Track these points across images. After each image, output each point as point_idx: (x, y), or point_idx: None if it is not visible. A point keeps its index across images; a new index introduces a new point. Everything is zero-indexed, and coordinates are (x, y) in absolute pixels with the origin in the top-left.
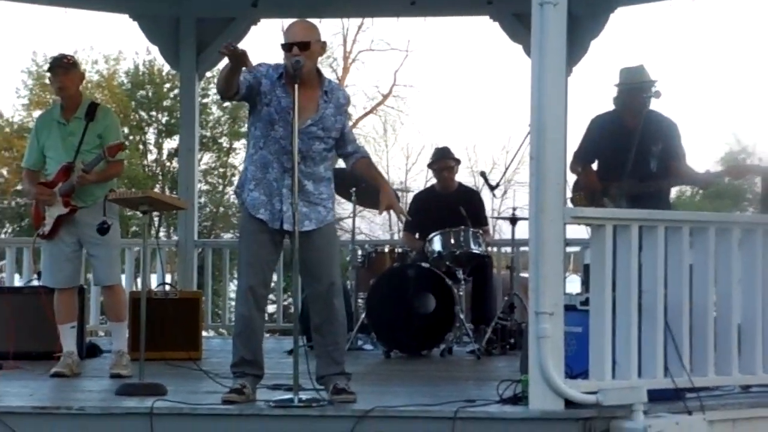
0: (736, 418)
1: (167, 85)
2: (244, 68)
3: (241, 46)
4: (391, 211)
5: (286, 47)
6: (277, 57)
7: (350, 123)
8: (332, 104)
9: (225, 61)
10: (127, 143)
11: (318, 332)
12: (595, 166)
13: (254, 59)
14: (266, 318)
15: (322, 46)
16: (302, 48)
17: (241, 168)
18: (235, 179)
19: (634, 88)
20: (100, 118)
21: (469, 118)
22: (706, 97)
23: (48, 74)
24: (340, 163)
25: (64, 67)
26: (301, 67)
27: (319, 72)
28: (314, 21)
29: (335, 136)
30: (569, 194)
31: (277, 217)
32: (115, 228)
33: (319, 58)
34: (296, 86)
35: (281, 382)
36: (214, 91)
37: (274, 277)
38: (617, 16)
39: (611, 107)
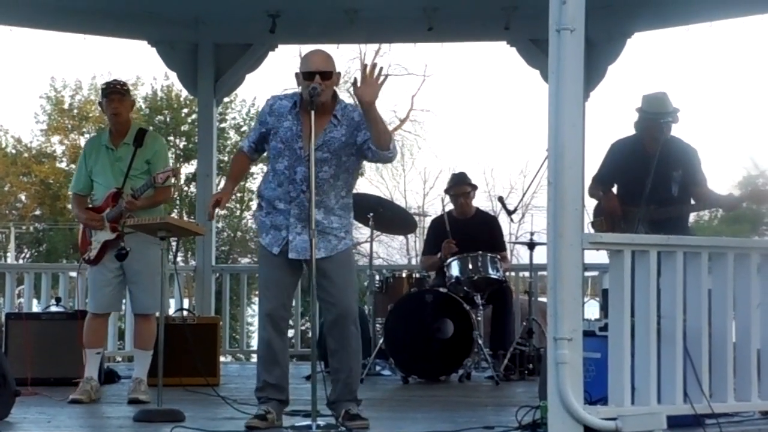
0: None
1: (185, 111)
2: (257, 125)
3: (258, 72)
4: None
5: (308, 76)
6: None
7: None
8: (344, 125)
9: (243, 85)
10: (178, 169)
11: (334, 358)
12: (614, 190)
13: (271, 85)
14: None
15: (338, 77)
16: (324, 77)
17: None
18: (253, 204)
19: (655, 115)
20: (149, 143)
21: (487, 142)
22: (723, 121)
23: (102, 99)
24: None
25: (119, 93)
26: (318, 95)
27: (335, 97)
28: (332, 47)
29: (349, 155)
30: (588, 219)
31: (280, 244)
32: (158, 256)
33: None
34: (312, 113)
35: (299, 408)
36: (232, 116)
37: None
38: (634, 42)
39: (630, 132)
